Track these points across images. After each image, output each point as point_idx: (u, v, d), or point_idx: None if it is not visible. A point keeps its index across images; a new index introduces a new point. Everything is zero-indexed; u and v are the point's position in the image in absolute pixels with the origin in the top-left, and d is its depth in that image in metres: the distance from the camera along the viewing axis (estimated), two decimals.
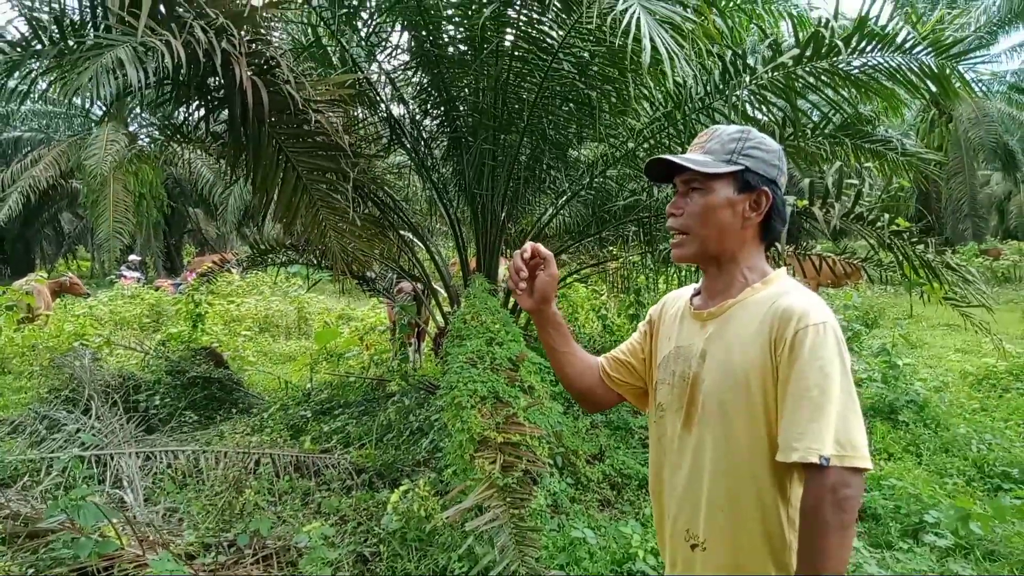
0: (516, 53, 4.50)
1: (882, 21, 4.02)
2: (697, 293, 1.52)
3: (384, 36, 5.19)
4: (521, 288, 1.53)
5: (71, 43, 3.35)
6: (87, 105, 3.88)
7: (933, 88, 4.35)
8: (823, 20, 4.23)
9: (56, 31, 3.39)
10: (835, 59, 4.12)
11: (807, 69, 4.21)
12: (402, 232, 5.97)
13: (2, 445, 4.85)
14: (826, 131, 4.82)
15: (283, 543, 3.41)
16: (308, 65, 5.23)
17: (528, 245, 1.52)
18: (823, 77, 4.27)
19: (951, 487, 4.22)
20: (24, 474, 4.29)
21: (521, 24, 4.34)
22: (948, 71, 4.16)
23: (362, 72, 5.19)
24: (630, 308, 7.50)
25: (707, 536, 1.38)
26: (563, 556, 3.29)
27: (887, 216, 4.36)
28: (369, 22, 5.02)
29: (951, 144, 19.80)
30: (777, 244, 4.61)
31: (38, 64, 3.54)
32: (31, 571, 3.02)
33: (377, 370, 6.71)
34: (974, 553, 3.42)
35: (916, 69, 4.18)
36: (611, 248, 6.78)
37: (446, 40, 4.86)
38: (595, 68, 4.55)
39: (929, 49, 4.11)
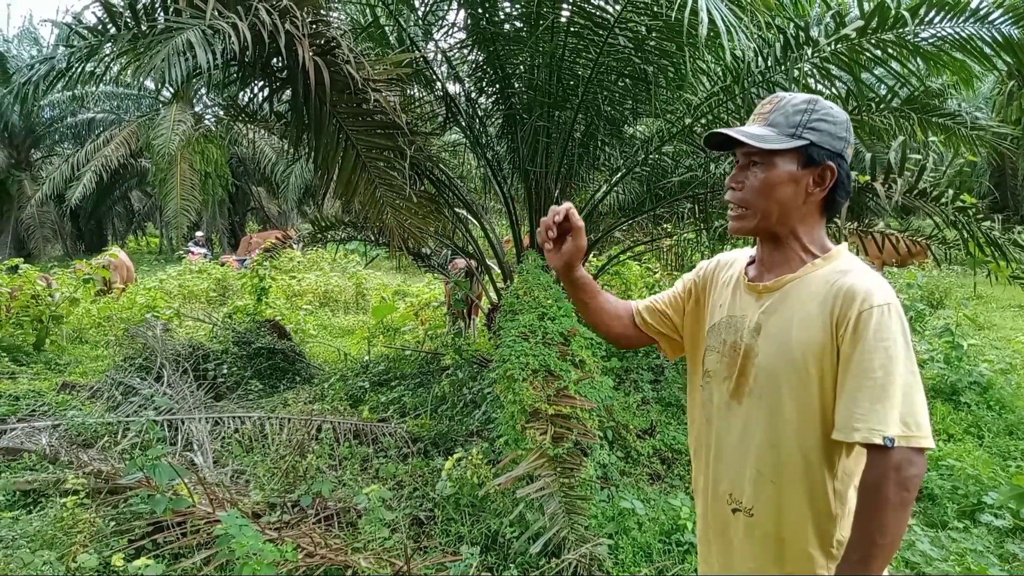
0: (572, 29, 4.48)
1: None
2: (752, 262, 1.50)
3: (441, 15, 5.24)
4: (548, 247, 1.53)
5: (143, 27, 3.51)
6: (159, 86, 4.06)
7: (1008, 59, 4.17)
8: None
9: (129, 16, 3.55)
10: (902, 30, 3.99)
11: (872, 41, 4.08)
12: (457, 209, 6.05)
13: (83, 408, 5.18)
14: (892, 104, 4.67)
15: (344, 504, 3.58)
16: (366, 45, 5.34)
17: (565, 206, 1.48)
18: (889, 49, 4.13)
19: (1014, 470, 4.11)
20: (103, 435, 4.58)
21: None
22: None
23: (419, 51, 5.26)
24: None
25: (754, 504, 1.40)
26: (612, 525, 3.35)
27: (951, 192, 4.21)
28: (426, 1, 5.07)
29: None
30: (837, 220, 4.53)
31: (113, 48, 3.73)
32: (112, 523, 3.25)
33: (432, 344, 6.86)
34: None
35: (988, 39, 4.02)
36: (665, 225, 6.71)
37: (502, 17, 4.88)
38: (651, 42, 4.50)
39: (1007, 16, 3.94)
